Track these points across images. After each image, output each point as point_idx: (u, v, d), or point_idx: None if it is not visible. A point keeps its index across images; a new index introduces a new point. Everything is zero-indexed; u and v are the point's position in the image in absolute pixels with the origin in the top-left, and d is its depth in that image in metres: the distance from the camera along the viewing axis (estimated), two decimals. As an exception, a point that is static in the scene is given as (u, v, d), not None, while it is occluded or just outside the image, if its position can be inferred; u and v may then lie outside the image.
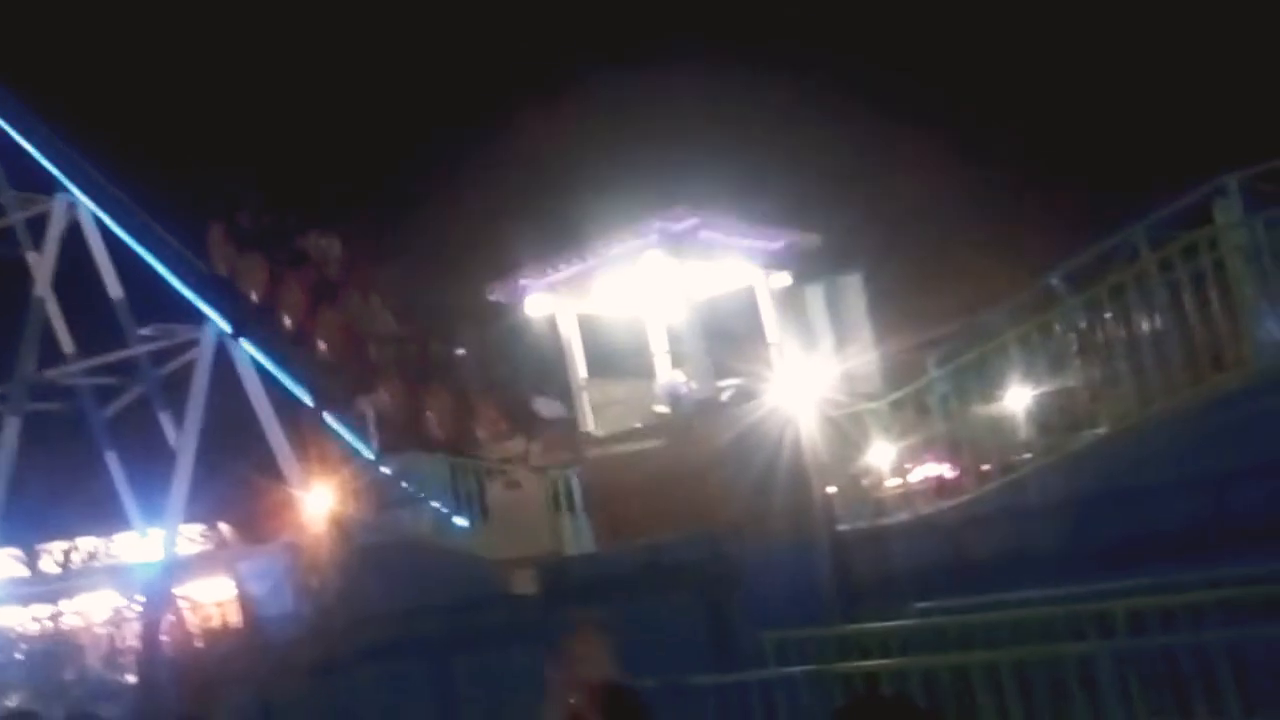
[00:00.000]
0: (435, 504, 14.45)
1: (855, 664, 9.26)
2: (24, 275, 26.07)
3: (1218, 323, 9.79)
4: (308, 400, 19.23)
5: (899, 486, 12.81)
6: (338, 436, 17.56)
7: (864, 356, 14.40)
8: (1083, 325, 11.39)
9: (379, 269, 20.88)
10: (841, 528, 12.06)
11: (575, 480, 13.21)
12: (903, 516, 11.88)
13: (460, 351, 18.35)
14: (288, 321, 20.35)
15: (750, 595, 10.31)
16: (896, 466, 12.85)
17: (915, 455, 13.01)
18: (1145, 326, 10.39)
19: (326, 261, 20.65)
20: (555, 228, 14.35)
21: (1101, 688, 8.19)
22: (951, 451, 12.79)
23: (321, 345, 19.79)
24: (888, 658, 9.40)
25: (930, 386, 12.61)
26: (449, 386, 17.54)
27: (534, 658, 11.44)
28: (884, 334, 14.68)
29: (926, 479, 12.92)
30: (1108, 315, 10.94)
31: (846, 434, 13.35)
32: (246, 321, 21.35)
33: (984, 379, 12.17)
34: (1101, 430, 10.58)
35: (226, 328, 21.71)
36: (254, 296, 21.04)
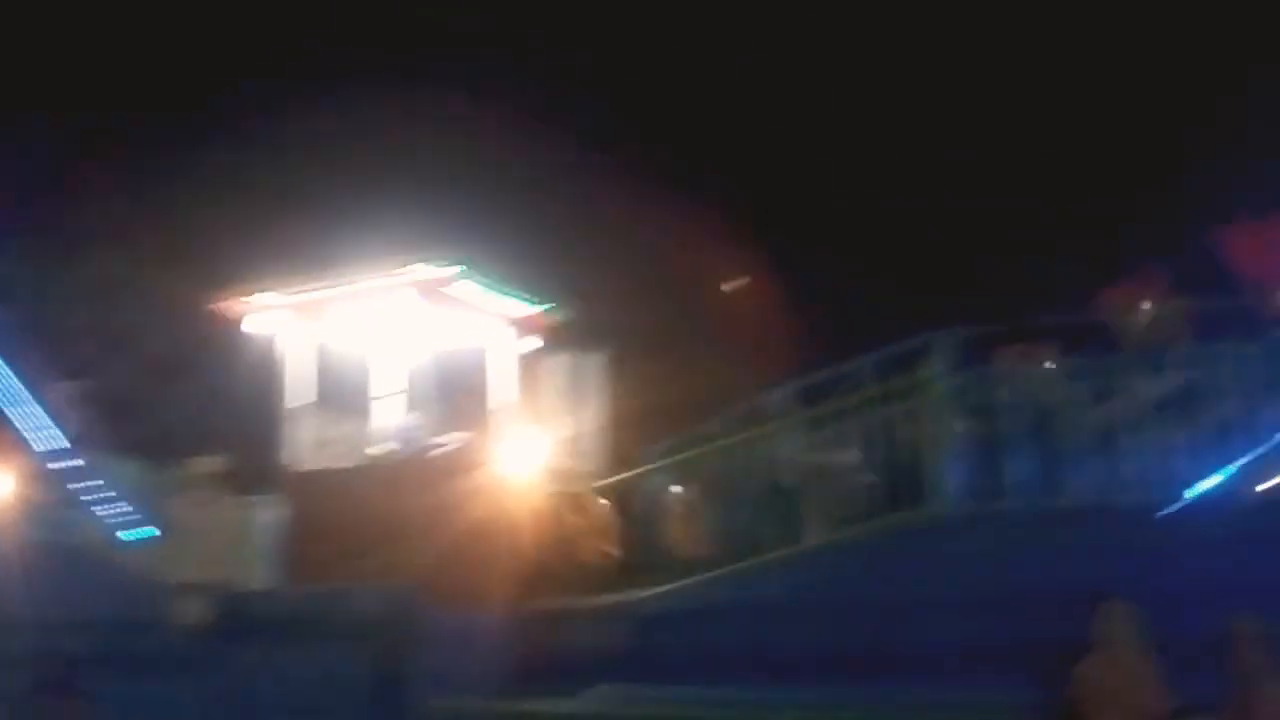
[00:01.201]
0: (118, 509, 13.49)
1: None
2: None
3: (917, 461, 10.38)
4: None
5: (602, 567, 12.87)
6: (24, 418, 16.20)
7: (594, 435, 14.47)
8: (802, 441, 11.90)
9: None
10: (538, 601, 11.99)
11: (274, 510, 12.60)
12: (598, 599, 11.91)
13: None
14: None
15: (429, 658, 10.01)
16: (601, 549, 12.92)
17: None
18: (857, 452, 10.97)
19: None
20: (292, 245, 13.79)
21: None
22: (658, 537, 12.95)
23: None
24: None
25: (648, 477, 12.82)
26: (141, 376, 16.65)
27: (192, 693, 10.81)
28: (618, 416, 14.81)
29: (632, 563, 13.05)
30: (822, 436, 11.50)
31: (561, 508, 13.35)
32: None
33: (705, 476, 12.48)
34: (799, 545, 10.99)
35: None
36: None
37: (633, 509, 12.77)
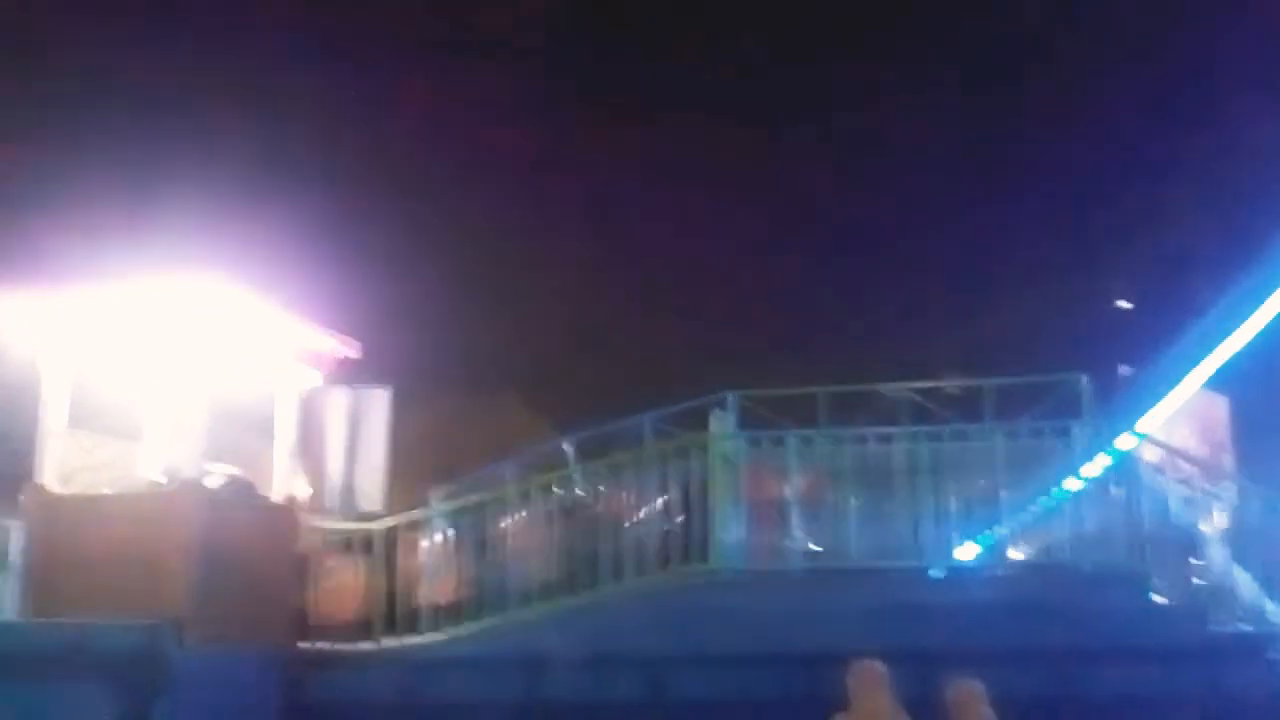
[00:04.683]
0: None
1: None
2: None
3: (693, 518, 10.65)
4: None
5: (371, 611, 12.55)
6: None
7: (375, 475, 14.14)
8: (580, 493, 12.00)
9: None
10: (302, 645, 11.56)
11: (18, 535, 11.69)
12: (364, 644, 11.59)
13: None
14: None
15: (179, 702, 9.46)
16: (379, 591, 12.60)
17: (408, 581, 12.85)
18: (636, 506, 11.15)
19: None
20: (55, 250, 12.95)
21: None
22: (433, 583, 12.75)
23: None
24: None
25: (430, 520, 12.62)
26: None
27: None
28: (401, 456, 14.53)
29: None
30: (603, 489, 11.63)
31: (335, 551, 12.95)
32: None
33: (483, 522, 12.38)
34: (579, 594, 11.04)
35: None
36: None
37: (408, 552, 12.52)
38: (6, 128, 18.51)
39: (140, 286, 11.67)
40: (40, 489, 11.32)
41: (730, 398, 11.01)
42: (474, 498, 12.22)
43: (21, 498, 11.37)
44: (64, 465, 12.06)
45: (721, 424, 11.07)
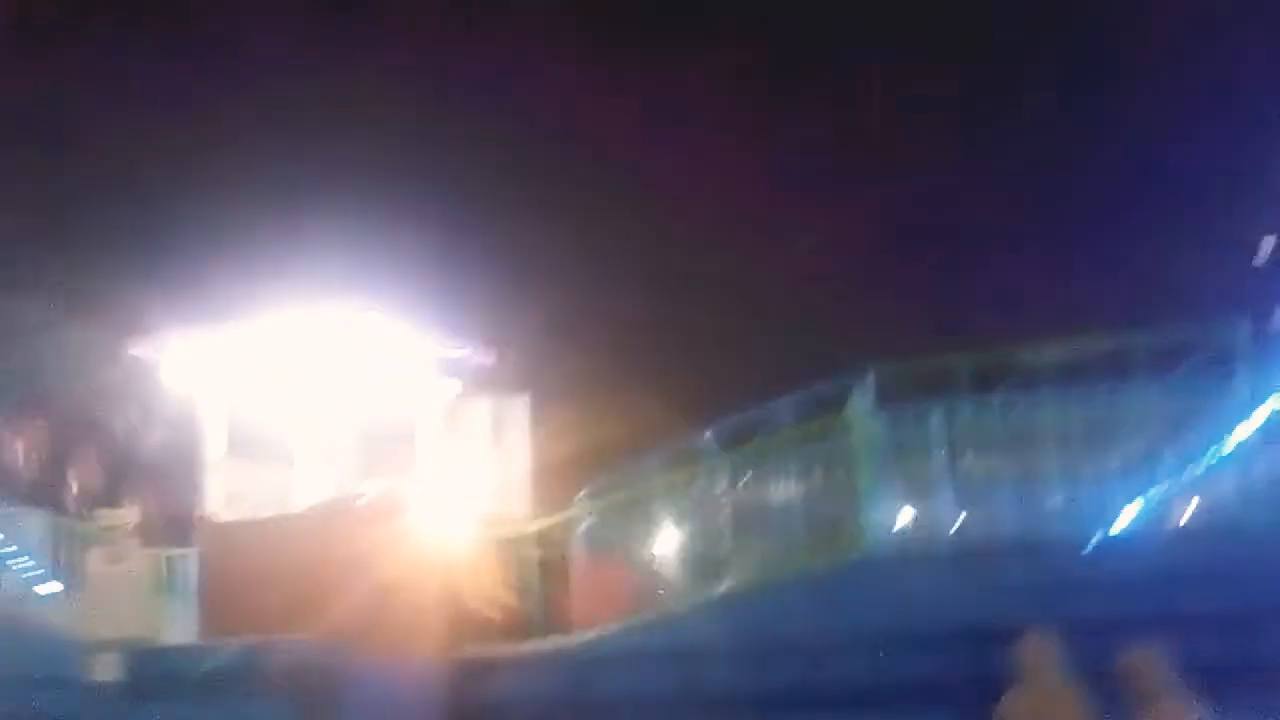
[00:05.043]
0: (25, 565, 13.00)
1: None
2: None
3: (841, 501, 10.44)
4: None
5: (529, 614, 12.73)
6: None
7: (520, 479, 14.35)
8: (726, 483, 11.90)
9: None
10: (466, 651, 11.78)
11: (190, 563, 12.26)
12: (526, 646, 11.74)
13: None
14: None
15: (353, 715, 9.76)
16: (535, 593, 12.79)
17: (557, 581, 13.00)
18: (781, 493, 10.99)
19: None
20: (208, 290, 13.51)
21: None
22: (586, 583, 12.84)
23: None
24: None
25: (579, 519, 12.72)
26: (49, 424, 16.28)
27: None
28: (544, 459, 14.71)
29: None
30: (749, 477, 11.51)
31: (488, 557, 13.18)
32: None
33: (630, 519, 12.42)
34: (730, 585, 10.97)
35: None
36: None
37: (560, 552, 12.65)
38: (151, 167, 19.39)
39: (287, 317, 12.13)
40: (208, 519, 11.83)
41: (869, 375, 10.74)
42: (621, 494, 12.24)
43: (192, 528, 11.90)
44: (226, 493, 12.60)
45: (862, 402, 10.82)
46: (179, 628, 12.10)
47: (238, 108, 21.64)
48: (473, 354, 13.90)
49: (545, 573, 12.81)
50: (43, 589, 12.99)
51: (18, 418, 16.79)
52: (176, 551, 12.19)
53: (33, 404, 17.27)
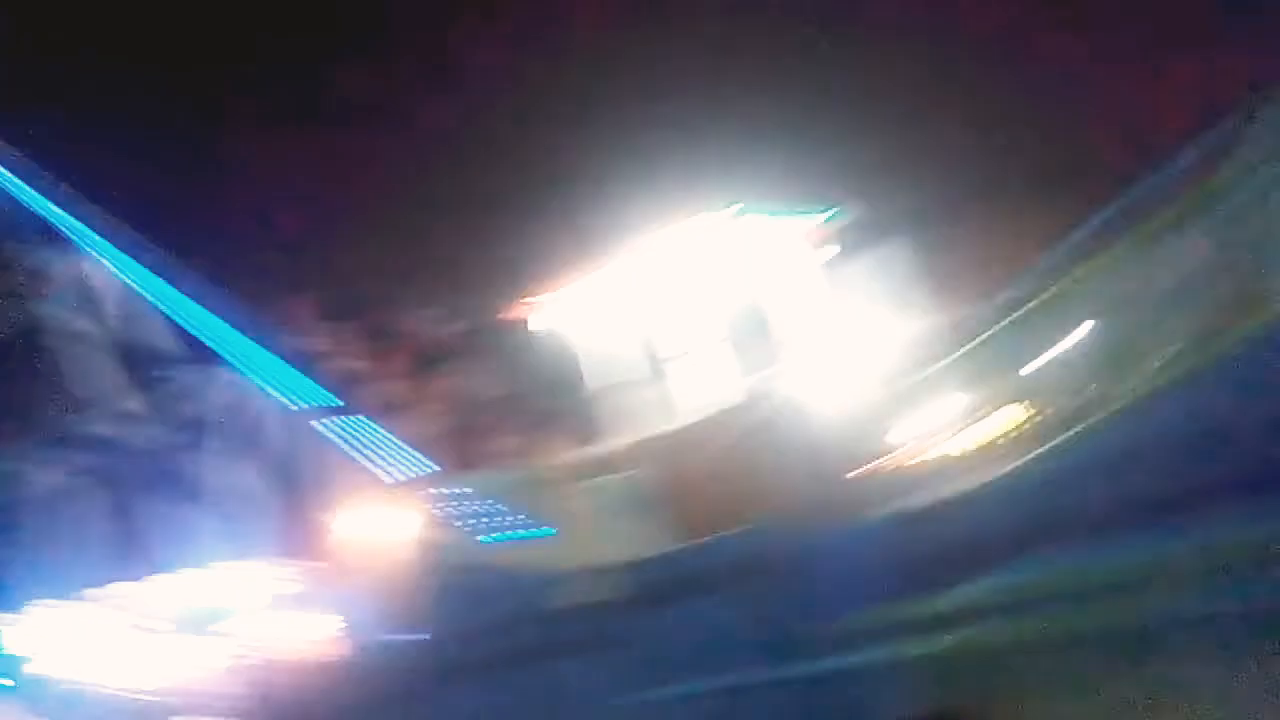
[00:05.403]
0: (508, 518, 14.49)
1: (939, 642, 9.02)
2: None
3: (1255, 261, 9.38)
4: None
5: (963, 447, 12.55)
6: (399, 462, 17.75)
7: (920, 320, 14.13)
8: (1135, 264, 11.09)
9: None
10: (906, 500, 11.84)
11: (642, 483, 13.14)
12: (968, 481, 11.60)
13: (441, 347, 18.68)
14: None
15: (817, 583, 10.11)
16: (959, 426, 12.58)
17: (980, 411, 12.72)
18: (1188, 264, 10.03)
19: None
20: (565, 233, 14.18)
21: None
22: (1018, 401, 12.46)
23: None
24: (969, 631, 9.16)
25: (992, 340, 12.33)
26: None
27: (624, 665, 11.52)
28: (940, 293, 14.36)
29: (992, 434, 12.64)
30: (1155, 253, 10.63)
31: (907, 403, 13.12)
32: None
33: (1048, 323, 11.89)
34: (1157, 373, 10.23)
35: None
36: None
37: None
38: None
39: (656, 236, 12.59)
40: (641, 437, 12.63)
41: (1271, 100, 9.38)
42: (1034, 300, 11.67)
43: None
44: (649, 411, 13.38)
45: (1268, 135, 9.53)
46: (649, 541, 13.02)
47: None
48: (840, 212, 13.79)
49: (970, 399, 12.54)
50: (518, 535, 14.42)
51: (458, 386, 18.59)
52: (621, 475, 13.10)
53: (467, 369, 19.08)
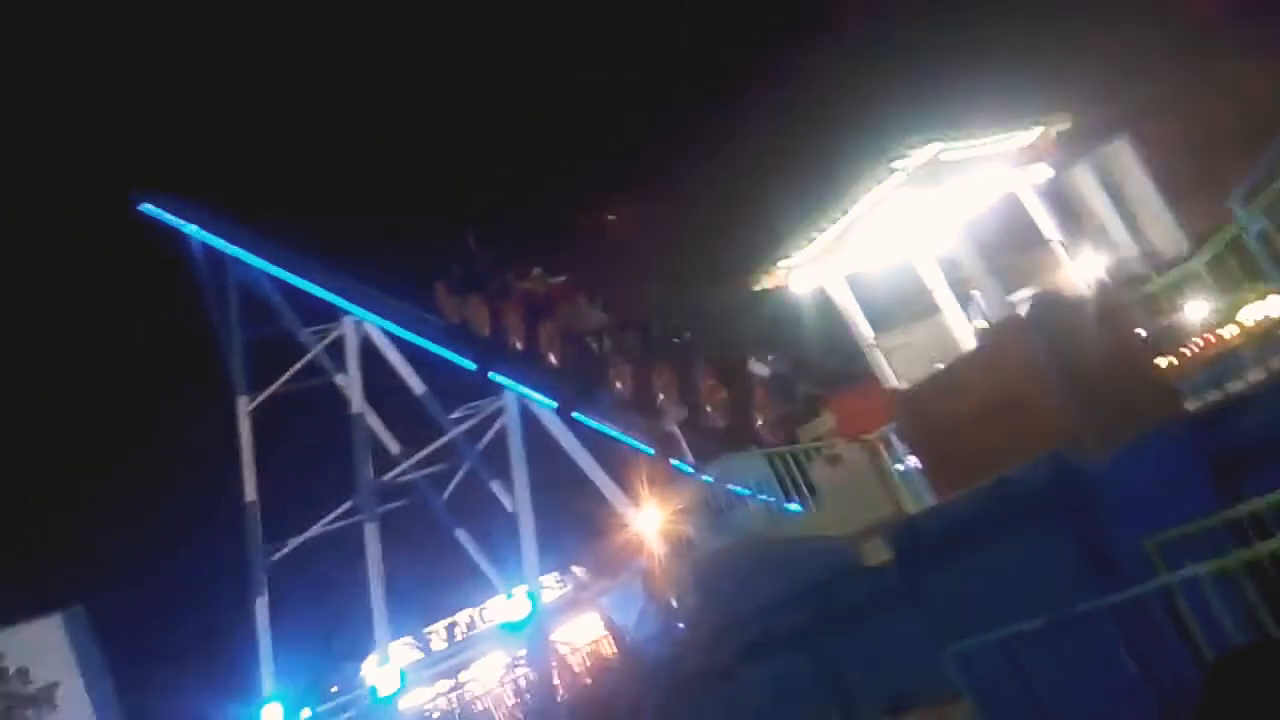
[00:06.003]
0: (763, 498, 14.44)
1: (1260, 546, 8.42)
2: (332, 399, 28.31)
3: None
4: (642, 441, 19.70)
5: (1230, 341, 11.81)
6: (659, 461, 18.04)
7: (1157, 222, 13.39)
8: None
9: (590, 270, 21.74)
10: (1189, 406, 11.17)
11: (894, 438, 12.85)
12: (1257, 373, 10.86)
13: (686, 335, 18.83)
14: (518, 345, 21.86)
15: (1114, 505, 9.60)
16: (1221, 323, 11.85)
17: (1240, 305, 11.97)
18: None
19: (535, 282, 21.99)
20: (788, 199, 13.94)
21: None
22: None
23: (550, 357, 20.90)
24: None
25: (1243, 229, 11.54)
26: (673, 366, 18.08)
27: (905, 623, 11.27)
28: (1173, 189, 13.58)
29: (1256, 324, 11.84)
30: None
31: (1160, 309, 12.45)
32: (485, 356, 22.84)
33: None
34: None
35: (472, 366, 23.28)
36: (485, 332, 22.77)
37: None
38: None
39: (868, 189, 12.30)
40: (894, 391, 12.33)
41: None
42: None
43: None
44: (893, 364, 13.07)
45: None
46: (914, 497, 12.73)
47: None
48: (1046, 126, 13.13)
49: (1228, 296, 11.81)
50: (785, 510, 14.35)
51: (639, 359, 18.85)
52: (882, 431, 12.84)
53: (646, 346, 19.32)
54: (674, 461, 17.43)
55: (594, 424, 20.96)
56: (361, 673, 30.02)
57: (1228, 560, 8.29)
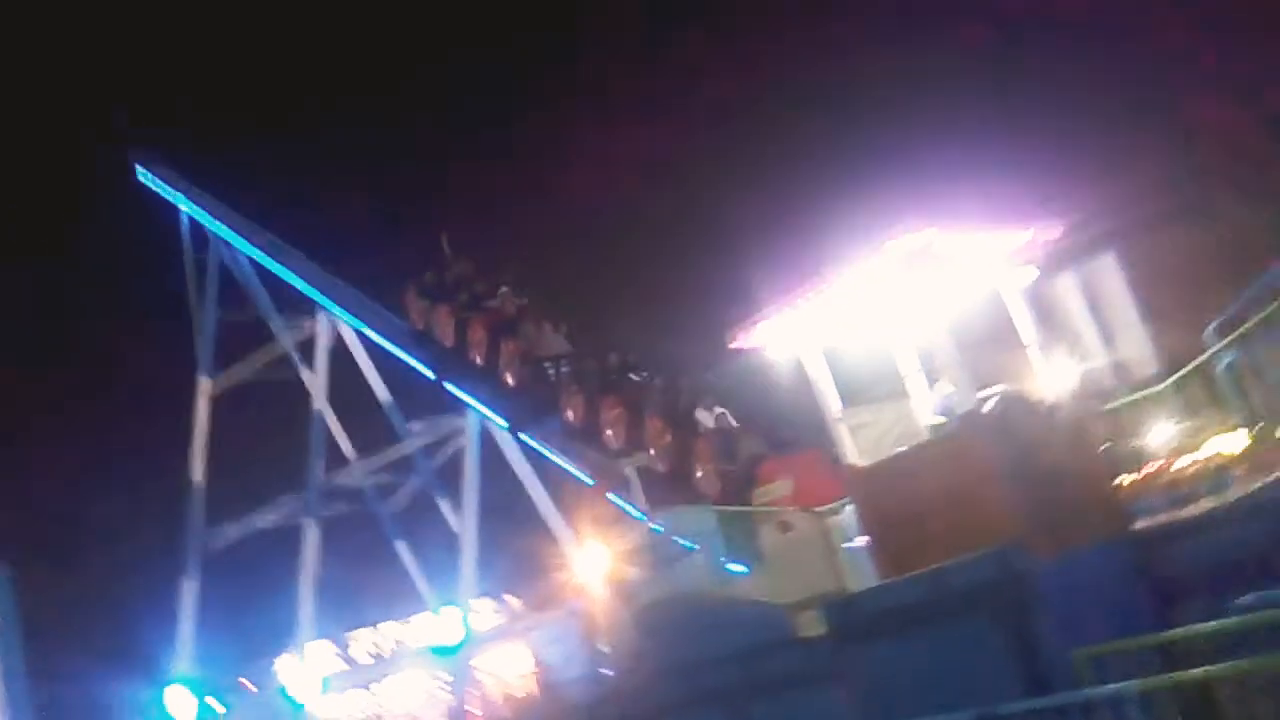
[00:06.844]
0: (708, 555, 14.43)
1: (1189, 673, 8.49)
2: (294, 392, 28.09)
3: None
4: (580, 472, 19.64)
5: (1188, 469, 11.97)
6: (607, 500, 17.95)
7: (1132, 340, 13.58)
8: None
9: (559, 298, 21.88)
10: (1139, 525, 11.30)
11: (849, 514, 12.92)
12: (1209, 502, 11.00)
13: (644, 374, 18.90)
14: (478, 359, 21.91)
15: (1050, 611, 9.69)
16: (1181, 449, 12.02)
17: (1202, 433, 12.16)
18: None
19: (503, 301, 22.14)
20: (776, 261, 14.10)
21: None
22: (1245, 422, 11.89)
23: (508, 376, 21.03)
24: (1219, 662, 8.61)
25: (1214, 358, 11.78)
26: (625, 402, 18.12)
27: (830, 699, 11.28)
28: (1152, 312, 13.79)
29: (1215, 456, 12.01)
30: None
31: (1123, 426, 12.61)
32: (444, 366, 22.79)
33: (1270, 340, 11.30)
34: None
35: (430, 374, 23.24)
36: (448, 343, 22.79)
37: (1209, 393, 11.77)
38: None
39: (849, 263, 12.43)
40: (852, 468, 12.39)
41: None
42: (1262, 313, 11.08)
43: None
44: (856, 441, 13.13)
45: None
46: (857, 575, 12.77)
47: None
48: (1039, 231, 13.34)
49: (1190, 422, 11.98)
50: (729, 571, 14.36)
51: (594, 389, 18.89)
52: (834, 506, 12.91)
53: (602, 377, 19.38)
54: (610, 496, 17.38)
55: (539, 447, 20.81)
56: (274, 668, 29.55)
57: (1154, 681, 8.36)
